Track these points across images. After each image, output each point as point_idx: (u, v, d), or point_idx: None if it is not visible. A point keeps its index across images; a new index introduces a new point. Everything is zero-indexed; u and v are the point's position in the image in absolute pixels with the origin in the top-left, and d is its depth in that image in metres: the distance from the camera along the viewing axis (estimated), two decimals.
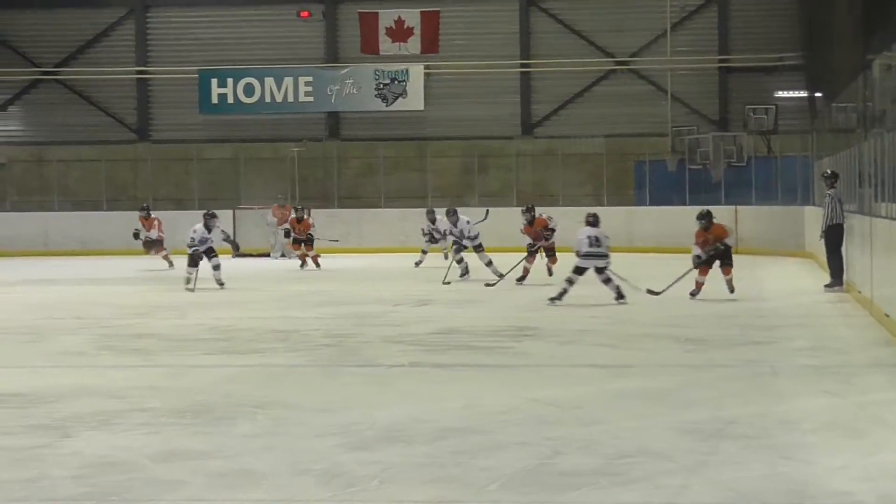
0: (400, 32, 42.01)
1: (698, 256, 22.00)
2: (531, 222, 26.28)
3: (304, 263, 32.25)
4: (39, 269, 32.20)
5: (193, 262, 25.10)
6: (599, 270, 21.30)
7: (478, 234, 27.31)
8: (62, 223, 40.06)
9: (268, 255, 36.77)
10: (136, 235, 32.68)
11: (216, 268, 25.19)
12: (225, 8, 43.68)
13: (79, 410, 11.64)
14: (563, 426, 10.77)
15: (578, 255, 21.20)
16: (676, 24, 41.70)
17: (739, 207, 37.07)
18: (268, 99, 42.74)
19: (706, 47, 41.90)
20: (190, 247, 25.40)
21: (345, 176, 42.61)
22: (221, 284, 25.23)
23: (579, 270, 21.17)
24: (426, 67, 42.24)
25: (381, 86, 42.28)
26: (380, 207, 40.29)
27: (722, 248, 21.89)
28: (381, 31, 42.08)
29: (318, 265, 32.00)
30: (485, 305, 21.90)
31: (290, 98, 42.74)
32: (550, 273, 26.20)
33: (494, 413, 11.42)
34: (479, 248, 27.13)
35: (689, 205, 37.02)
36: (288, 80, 42.67)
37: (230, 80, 42.80)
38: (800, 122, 39.53)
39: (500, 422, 10.99)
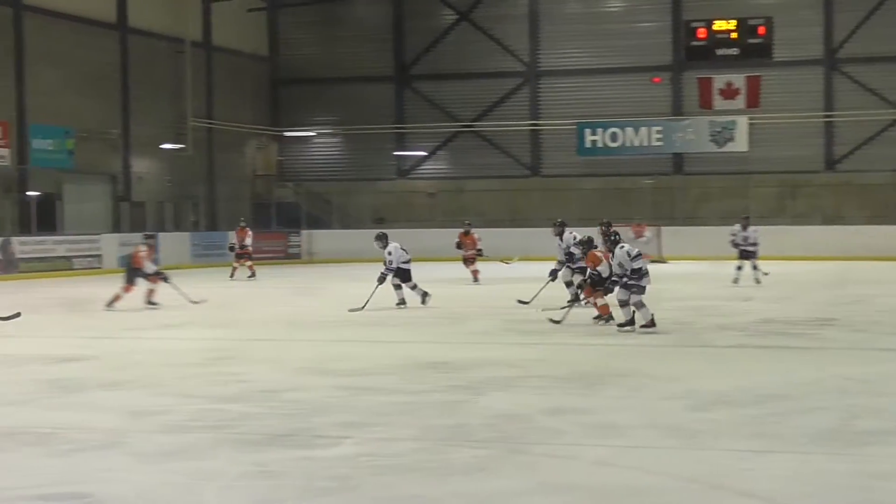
0: (729, 92, 41.19)
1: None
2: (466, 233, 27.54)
3: (475, 279, 28.07)
4: (458, 271, 32.77)
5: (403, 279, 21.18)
6: None
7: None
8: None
9: None
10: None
11: (413, 288, 20.84)
12: (596, 76, 43.70)
13: (488, 375, 11.82)
14: (859, 396, 10.42)
15: None
16: None
17: None
18: (628, 144, 42.52)
19: None
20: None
21: (685, 202, 42.05)
22: (425, 296, 20.84)
23: None
24: (749, 118, 41.30)
25: (714, 133, 41.58)
26: (712, 226, 39.59)
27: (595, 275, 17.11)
28: (715, 92, 41.33)
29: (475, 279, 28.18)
30: (792, 301, 21.31)
31: (645, 143, 42.43)
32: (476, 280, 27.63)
33: (803, 384, 11.12)
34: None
35: None
36: (643, 130, 42.38)
37: (600, 130, 42.76)
38: None
39: (807, 391, 10.70)
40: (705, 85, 41.47)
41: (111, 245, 34.19)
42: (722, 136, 41.53)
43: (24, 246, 31.42)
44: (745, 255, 24.97)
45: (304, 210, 43.93)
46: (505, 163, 44.72)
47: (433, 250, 38.99)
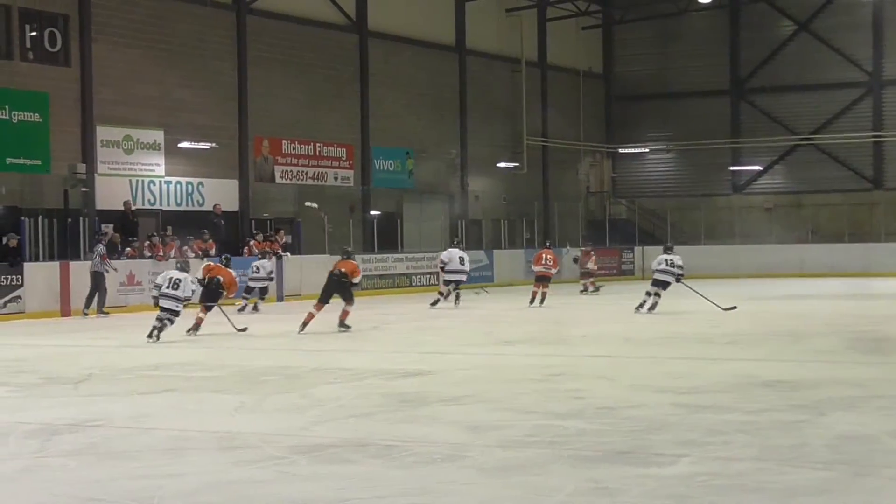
0: None
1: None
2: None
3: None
4: (797, 287, 31.96)
5: None
6: None
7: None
8: (814, 253, 39.69)
9: None
10: None
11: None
12: None
13: (830, 395, 11.47)
14: None
15: None
16: None
17: None
18: None
19: None
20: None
21: None
22: None
23: None
24: None
25: None
26: None
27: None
28: None
29: None
30: None
31: None
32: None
33: None
34: None
35: None
36: None
37: None
38: None
39: None
40: None
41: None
42: None
43: (365, 263, 32.52)
44: None
45: (638, 226, 43.83)
46: (845, 176, 43.39)
47: (770, 266, 38.23)
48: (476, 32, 40.28)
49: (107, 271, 24.90)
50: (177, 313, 18.56)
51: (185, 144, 30.43)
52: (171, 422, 10.55)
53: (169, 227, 28.84)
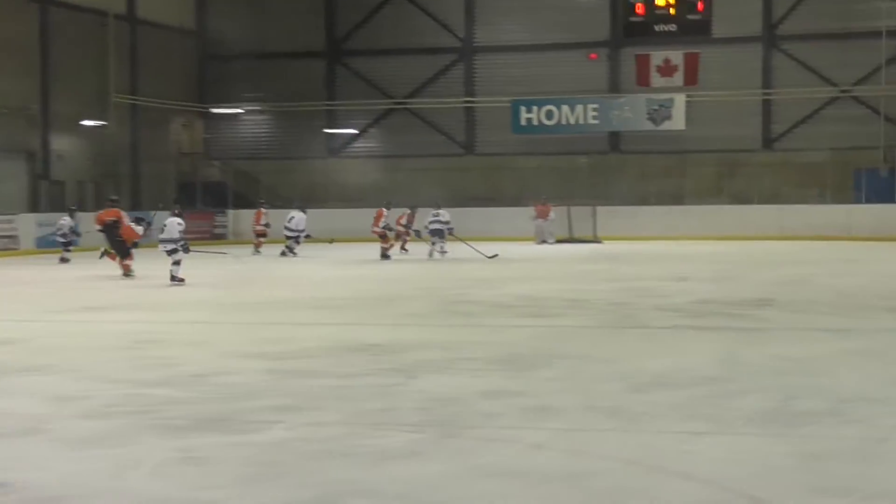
0: (667, 69, 41.36)
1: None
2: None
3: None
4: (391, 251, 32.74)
5: None
6: None
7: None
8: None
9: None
10: None
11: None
12: (532, 52, 43.67)
13: (420, 358, 11.82)
14: (796, 377, 10.53)
15: None
16: (890, 60, 40.08)
17: None
18: (564, 122, 42.51)
19: None
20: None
21: (622, 181, 42.16)
22: None
23: None
24: (687, 96, 41.47)
25: (652, 111, 41.68)
26: (650, 205, 39.98)
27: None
28: (653, 69, 41.50)
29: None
30: (730, 282, 21.50)
31: (581, 121, 42.44)
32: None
33: (741, 365, 11.24)
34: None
35: None
36: (579, 107, 42.43)
37: (535, 108, 42.73)
38: None
39: (745, 372, 10.81)
40: (643, 62, 41.67)
41: (28, 225, 33.76)
42: (659, 114, 41.69)
43: None
44: None
45: (232, 189, 43.65)
46: (439, 141, 44.66)
47: (365, 230, 38.81)
48: None
49: None
50: (174, 251, 21.88)
51: None
52: None
53: None
